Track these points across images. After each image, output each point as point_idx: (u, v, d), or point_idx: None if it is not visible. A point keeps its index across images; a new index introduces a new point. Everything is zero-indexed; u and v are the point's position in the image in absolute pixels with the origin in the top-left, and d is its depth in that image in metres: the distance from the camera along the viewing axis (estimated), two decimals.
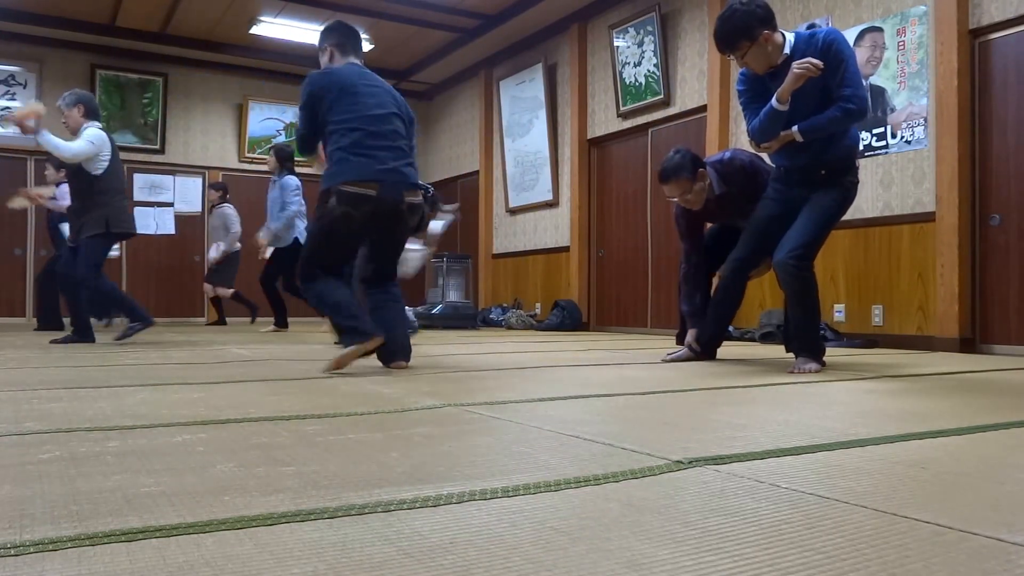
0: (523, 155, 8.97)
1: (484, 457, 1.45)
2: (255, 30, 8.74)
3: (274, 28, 8.70)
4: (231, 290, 8.56)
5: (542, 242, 8.76)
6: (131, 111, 9.52)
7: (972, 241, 4.88)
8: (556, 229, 8.58)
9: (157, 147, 9.62)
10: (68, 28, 8.67)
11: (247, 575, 0.82)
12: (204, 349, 4.56)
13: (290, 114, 10.32)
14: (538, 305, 8.76)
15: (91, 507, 1.08)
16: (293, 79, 10.14)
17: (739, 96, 3.41)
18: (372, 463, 1.39)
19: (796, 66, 3.05)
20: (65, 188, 6.33)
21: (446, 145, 10.72)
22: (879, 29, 5.36)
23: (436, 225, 5.13)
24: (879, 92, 5.33)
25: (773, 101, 3.15)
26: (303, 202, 6.80)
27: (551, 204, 8.60)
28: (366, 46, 9.07)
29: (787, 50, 3.22)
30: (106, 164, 4.99)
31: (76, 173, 4.98)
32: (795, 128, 3.17)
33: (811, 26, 5.68)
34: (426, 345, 5.06)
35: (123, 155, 9.26)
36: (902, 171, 5.20)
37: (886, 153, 5.29)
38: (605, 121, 7.86)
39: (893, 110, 5.25)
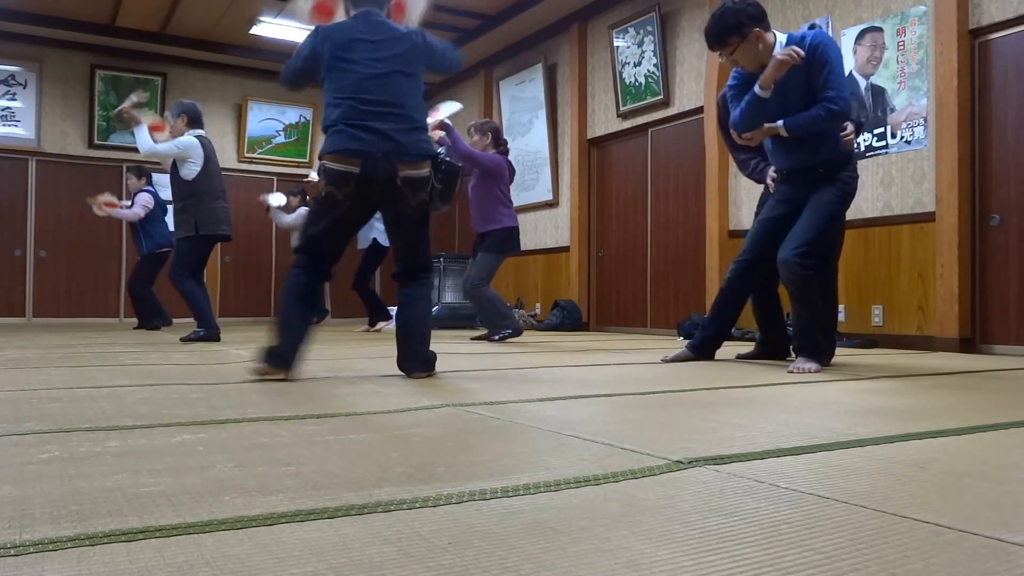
0: (523, 155, 8.96)
1: (484, 457, 1.45)
2: (255, 30, 8.74)
3: (274, 28, 8.69)
4: None
5: (542, 242, 8.76)
6: None
7: (972, 241, 4.88)
8: (556, 229, 8.57)
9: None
10: (68, 28, 8.67)
11: (247, 575, 0.82)
12: (204, 350, 4.56)
13: (290, 114, 10.32)
14: (538, 305, 8.76)
15: (91, 507, 1.08)
16: None
17: (728, 89, 3.46)
18: (372, 463, 1.38)
19: (779, 53, 3.13)
20: (142, 196, 7.06)
21: None
22: (879, 29, 5.36)
23: None
24: (879, 92, 5.33)
25: (756, 87, 3.21)
26: None
27: (551, 204, 8.60)
28: None
29: (784, 45, 3.26)
30: (198, 169, 5.25)
31: (172, 178, 5.32)
32: (780, 123, 3.24)
33: (812, 26, 5.69)
34: None
35: (120, 155, 9.36)
36: (902, 171, 5.20)
37: (886, 153, 5.28)
38: (605, 121, 7.85)
39: (893, 110, 5.25)
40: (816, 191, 3.34)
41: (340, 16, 3.11)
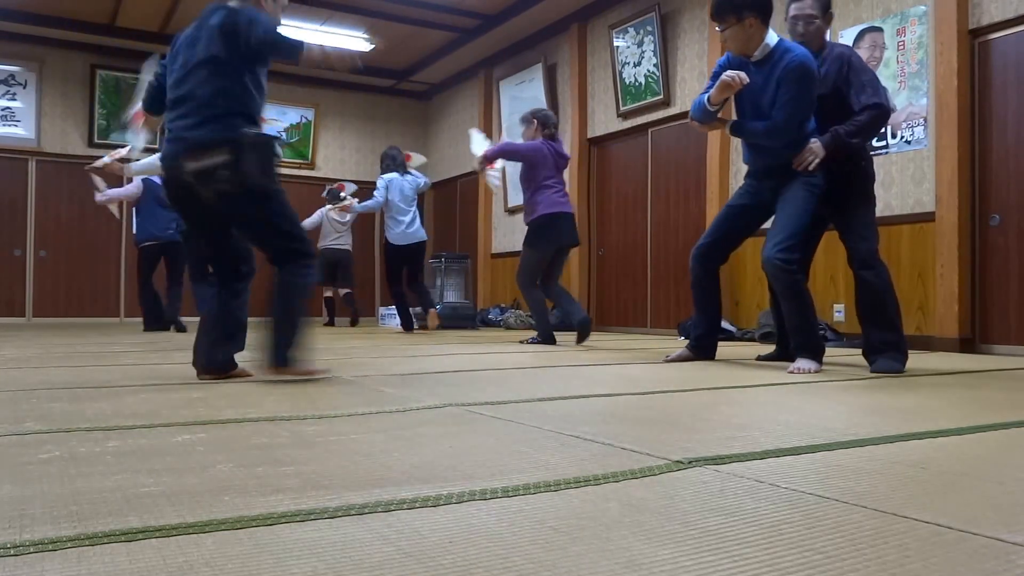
0: None
1: (484, 457, 1.45)
2: None
3: None
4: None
5: None
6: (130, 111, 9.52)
7: (972, 241, 4.88)
8: None
9: (155, 147, 9.61)
10: (68, 28, 8.67)
11: (247, 575, 0.82)
12: None
13: (291, 115, 10.32)
14: None
15: (91, 507, 1.08)
16: (292, 79, 10.14)
17: (717, 68, 3.51)
18: (372, 463, 1.39)
19: (725, 75, 3.26)
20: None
21: (446, 145, 10.72)
22: (879, 29, 5.36)
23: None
24: None
25: (707, 98, 3.38)
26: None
27: None
28: (366, 45, 9.10)
29: (772, 45, 3.33)
30: None
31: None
32: (730, 121, 3.46)
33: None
34: (426, 345, 5.06)
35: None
36: (902, 171, 5.20)
37: (886, 153, 5.28)
38: (605, 121, 7.85)
39: (893, 110, 5.25)
40: (783, 189, 3.39)
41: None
